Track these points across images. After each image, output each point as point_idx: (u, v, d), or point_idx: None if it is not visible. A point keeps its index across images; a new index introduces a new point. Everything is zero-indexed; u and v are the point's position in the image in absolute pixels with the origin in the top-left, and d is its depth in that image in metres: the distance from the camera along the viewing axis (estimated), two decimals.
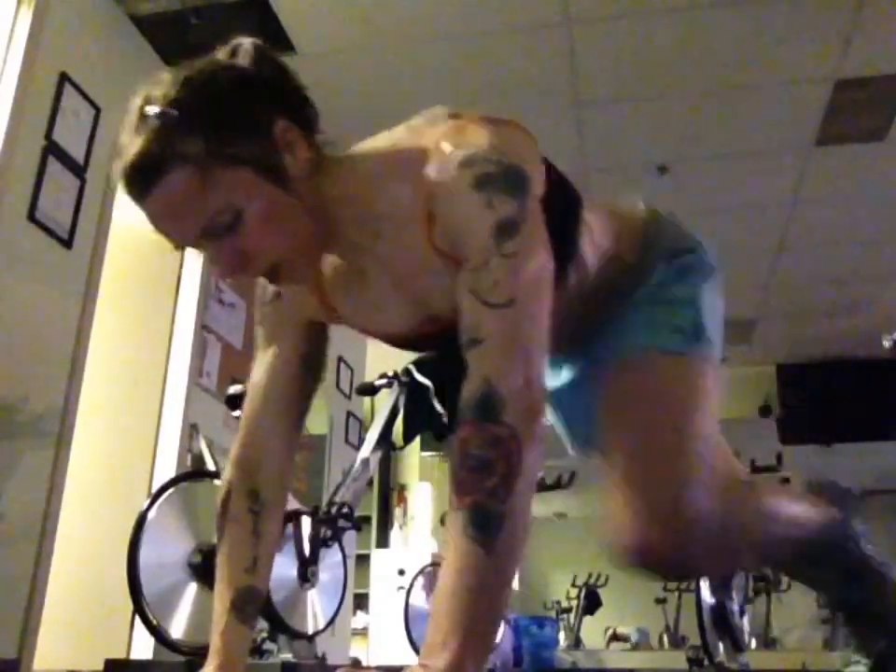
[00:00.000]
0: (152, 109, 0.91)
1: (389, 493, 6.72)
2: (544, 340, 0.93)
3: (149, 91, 0.94)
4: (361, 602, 5.85)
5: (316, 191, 1.01)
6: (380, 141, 1.07)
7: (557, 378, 1.38)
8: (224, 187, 0.92)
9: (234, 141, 0.93)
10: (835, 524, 1.41)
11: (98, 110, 2.90)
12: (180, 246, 0.99)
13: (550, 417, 1.44)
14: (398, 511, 6.64)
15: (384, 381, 2.97)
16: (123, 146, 0.93)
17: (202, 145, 0.91)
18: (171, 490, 2.42)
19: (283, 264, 1.00)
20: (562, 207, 1.09)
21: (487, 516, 0.83)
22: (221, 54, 1.01)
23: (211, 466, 3.20)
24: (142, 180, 0.92)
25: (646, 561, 1.11)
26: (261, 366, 1.19)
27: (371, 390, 3.06)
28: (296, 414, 1.19)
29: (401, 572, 5.54)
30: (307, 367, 1.19)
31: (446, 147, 0.97)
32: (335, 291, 1.14)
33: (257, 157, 0.94)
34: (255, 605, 1.11)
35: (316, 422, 4.60)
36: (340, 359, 4.87)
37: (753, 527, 1.28)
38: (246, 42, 1.01)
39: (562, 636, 5.92)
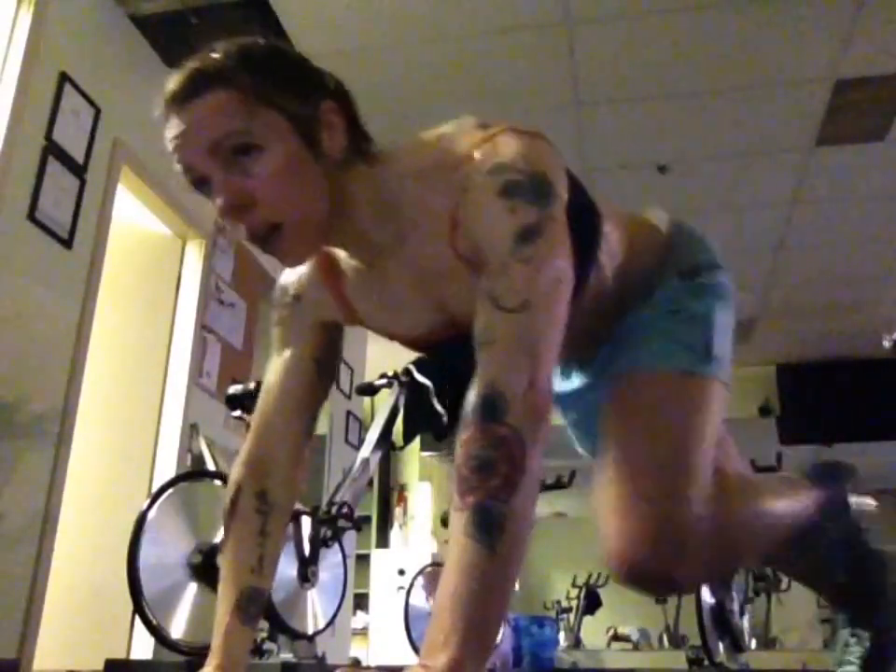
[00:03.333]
0: (213, 47, 0.97)
1: (389, 493, 6.72)
2: (555, 345, 0.93)
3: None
4: (361, 602, 5.85)
5: (342, 183, 1.02)
6: (411, 146, 1.08)
7: (568, 383, 1.38)
8: (258, 119, 0.96)
9: (283, 93, 0.97)
10: (827, 502, 1.42)
11: (98, 110, 2.90)
12: (191, 174, 0.98)
13: (560, 419, 1.44)
14: (398, 511, 6.64)
15: (384, 381, 2.97)
16: (178, 69, 0.97)
17: (252, 80, 0.95)
18: (171, 490, 2.42)
19: (284, 227, 0.99)
20: (582, 218, 1.10)
21: (490, 516, 0.83)
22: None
23: (211, 466, 3.20)
24: (188, 91, 0.95)
25: (635, 577, 1.10)
26: (276, 367, 1.19)
27: (370, 390, 3.06)
28: (307, 417, 1.20)
29: (401, 572, 5.54)
30: (321, 370, 1.19)
31: (477, 155, 0.98)
32: (356, 292, 1.14)
33: (298, 114, 0.98)
34: (258, 605, 1.11)
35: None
36: (340, 363, 4.87)
37: (748, 534, 1.28)
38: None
39: (562, 636, 5.92)
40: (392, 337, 1.20)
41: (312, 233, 1.03)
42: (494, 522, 0.83)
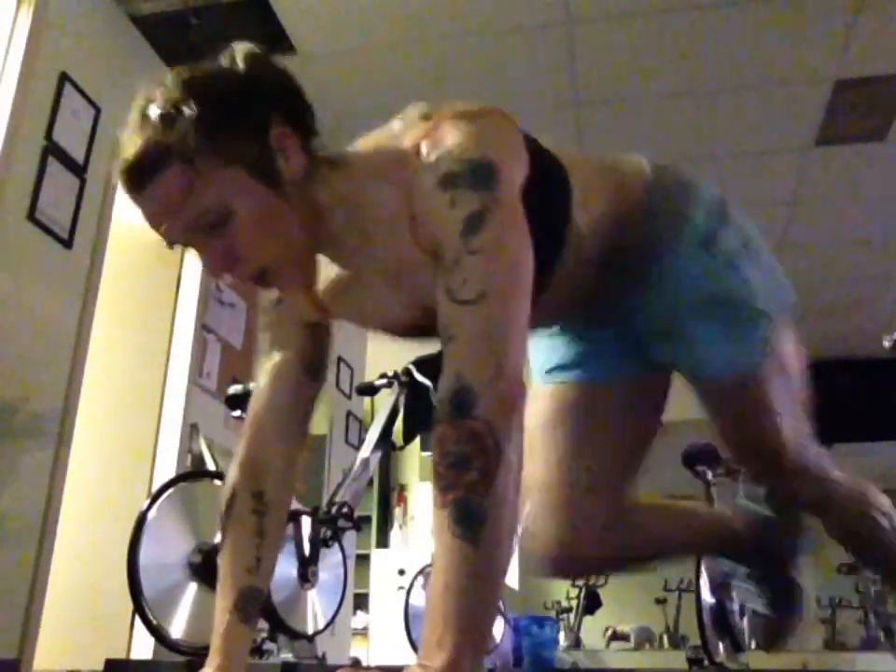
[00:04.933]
0: (152, 109, 0.95)
1: (389, 493, 6.72)
2: (520, 331, 0.93)
3: (150, 92, 0.97)
4: (361, 602, 5.84)
5: (309, 197, 1.03)
6: (365, 145, 1.08)
7: (572, 348, 1.39)
8: (217, 185, 0.95)
9: (230, 142, 0.96)
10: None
11: (98, 110, 2.90)
12: (173, 244, 1.01)
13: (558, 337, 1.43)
14: (398, 511, 6.64)
15: (384, 381, 2.97)
16: (123, 144, 0.97)
17: (197, 144, 0.94)
18: (171, 490, 2.42)
19: (271, 269, 1.02)
20: (552, 188, 1.10)
21: (471, 511, 0.83)
22: (222, 59, 1.02)
23: (211, 466, 3.20)
24: (138, 177, 0.96)
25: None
26: (265, 370, 1.20)
27: (370, 390, 3.06)
28: (300, 417, 1.20)
29: (401, 572, 5.54)
30: (309, 370, 1.20)
31: (422, 148, 0.99)
32: (331, 291, 1.15)
33: (251, 158, 0.97)
34: (256, 605, 1.11)
35: (316, 422, 4.57)
36: (340, 359, 4.87)
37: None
38: (246, 46, 1.02)
39: (562, 636, 5.91)
40: (371, 328, 1.21)
41: (300, 262, 1.07)
42: (475, 517, 0.83)
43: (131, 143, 0.96)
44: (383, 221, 1.03)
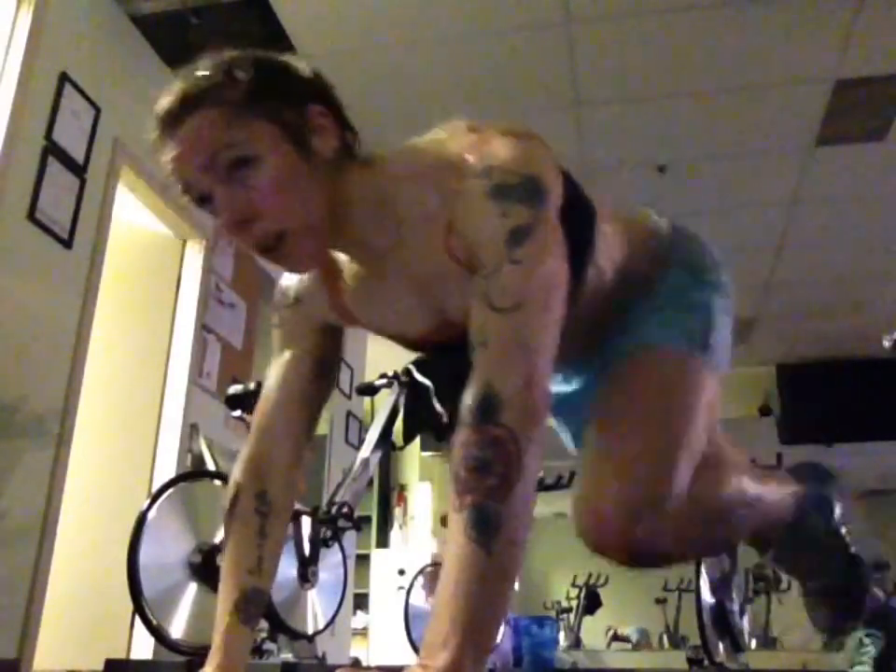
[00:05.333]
0: (198, 64, 0.99)
1: (389, 493, 6.72)
2: (550, 344, 0.94)
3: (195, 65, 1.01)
4: (361, 602, 5.85)
5: (337, 185, 1.03)
6: (405, 150, 1.08)
7: (567, 387, 1.39)
8: (250, 131, 0.97)
9: (270, 102, 0.99)
10: (805, 497, 1.43)
11: (98, 110, 2.90)
12: (191, 190, 1.00)
13: (552, 422, 1.45)
14: (398, 511, 6.64)
15: (384, 381, 2.97)
16: (164, 95, 0.98)
17: (239, 93, 0.97)
18: (171, 490, 2.42)
19: (287, 235, 1.00)
20: (578, 218, 1.10)
21: (487, 516, 0.83)
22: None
23: (211, 466, 3.20)
24: (177, 112, 0.97)
25: (606, 546, 1.11)
26: (276, 369, 1.20)
27: (370, 390, 3.06)
28: (307, 418, 1.20)
29: (401, 572, 5.54)
30: (321, 372, 1.20)
31: (469, 157, 0.99)
32: (355, 295, 1.15)
33: (288, 122, 0.99)
34: (258, 606, 1.11)
35: None
36: (340, 359, 4.87)
37: (728, 515, 1.29)
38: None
39: (562, 636, 5.92)
40: (391, 337, 1.20)
41: (315, 238, 1.04)
42: (491, 522, 0.83)
43: (174, 88, 0.98)
44: (415, 223, 1.03)
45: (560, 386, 1.40)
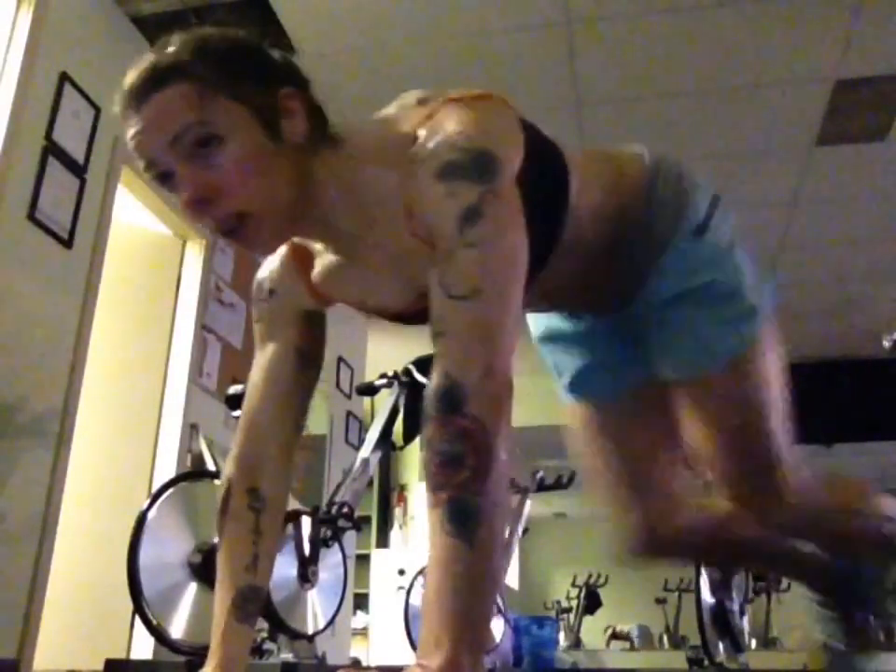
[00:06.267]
0: (170, 40, 1.00)
1: (389, 493, 6.72)
2: (512, 325, 0.92)
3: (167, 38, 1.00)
4: (361, 602, 5.85)
5: (307, 168, 1.01)
6: (365, 131, 1.07)
7: (572, 324, 1.39)
8: (217, 110, 0.95)
9: (239, 80, 0.97)
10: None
11: (98, 110, 2.90)
12: (153, 167, 0.98)
13: (543, 350, 1.46)
14: (398, 511, 6.64)
15: (384, 381, 2.97)
16: (131, 70, 0.98)
17: (209, 71, 0.96)
18: (171, 490, 2.42)
19: (250, 217, 0.98)
20: (548, 172, 1.09)
21: (464, 510, 0.82)
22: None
23: (211, 466, 3.20)
24: (146, 86, 0.96)
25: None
26: (259, 363, 1.19)
27: (370, 390, 3.06)
28: (295, 410, 1.19)
29: (401, 572, 5.54)
30: (304, 362, 1.18)
31: (419, 134, 0.98)
32: (329, 277, 1.14)
33: (256, 102, 0.98)
34: (255, 604, 1.10)
35: (316, 422, 4.60)
36: (340, 359, 4.87)
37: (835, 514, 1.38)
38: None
39: (562, 636, 5.92)
40: (369, 311, 1.19)
41: (279, 221, 1.02)
42: (469, 515, 0.82)
43: (143, 61, 0.97)
44: (379, 206, 1.02)
45: (561, 322, 1.40)
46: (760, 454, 1.24)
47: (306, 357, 1.18)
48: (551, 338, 1.43)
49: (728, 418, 1.25)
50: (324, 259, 1.14)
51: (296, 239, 1.16)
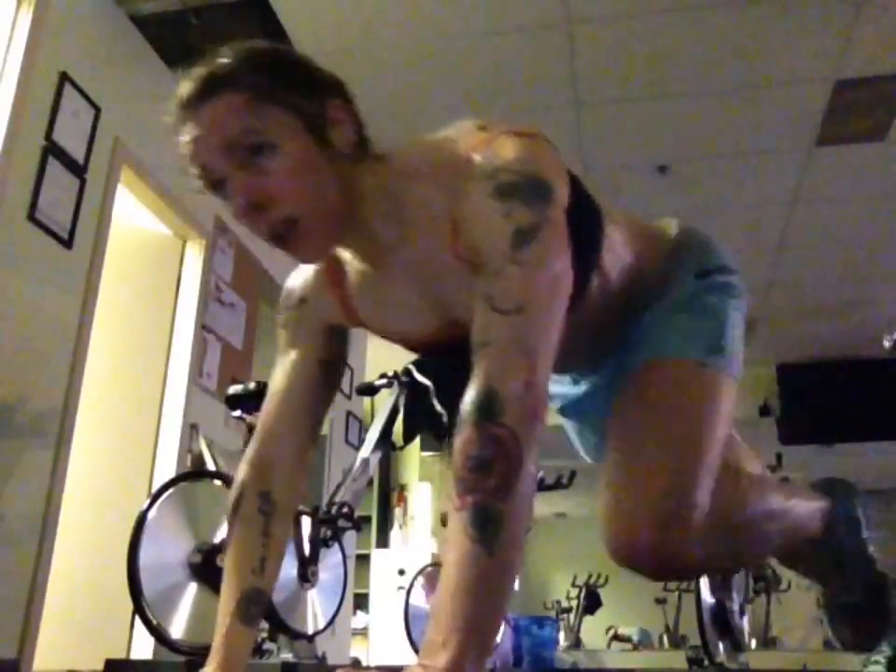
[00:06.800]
0: (222, 52, 1.01)
1: (389, 493, 6.73)
2: (551, 346, 0.94)
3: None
4: (361, 602, 5.85)
5: (351, 178, 1.03)
6: (414, 148, 1.09)
7: (576, 389, 1.39)
8: (269, 119, 0.98)
9: (291, 92, 1.00)
10: (834, 513, 1.44)
11: (98, 110, 2.90)
12: (206, 176, 1.00)
13: (565, 425, 1.46)
14: (398, 511, 6.65)
15: (384, 381, 2.97)
16: (193, 73, 0.99)
17: (261, 81, 0.99)
18: (171, 490, 2.42)
19: (301, 222, 1.00)
20: (584, 219, 1.10)
21: (488, 516, 0.83)
22: None
23: (211, 466, 3.20)
24: (200, 95, 0.98)
25: (637, 560, 1.10)
26: (281, 369, 1.20)
27: (370, 390, 3.06)
28: (311, 419, 1.20)
29: (401, 572, 5.54)
30: (325, 373, 1.20)
31: (475, 157, 0.99)
32: (359, 294, 1.15)
33: (307, 112, 1.00)
34: (259, 606, 1.11)
35: None
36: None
37: (756, 529, 1.28)
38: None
39: (562, 636, 5.92)
40: (394, 339, 1.20)
41: (328, 227, 1.04)
42: (491, 522, 0.83)
43: (197, 72, 0.99)
44: (423, 221, 1.03)
45: (569, 389, 1.40)
46: (683, 472, 1.11)
47: (327, 369, 1.20)
48: (566, 407, 1.44)
49: (675, 417, 1.15)
50: (356, 276, 1.15)
51: (331, 255, 1.16)
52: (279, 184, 0.98)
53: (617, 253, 1.19)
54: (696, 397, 1.18)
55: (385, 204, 1.05)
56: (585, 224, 1.10)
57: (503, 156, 0.98)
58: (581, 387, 1.39)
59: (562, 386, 1.42)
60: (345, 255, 1.15)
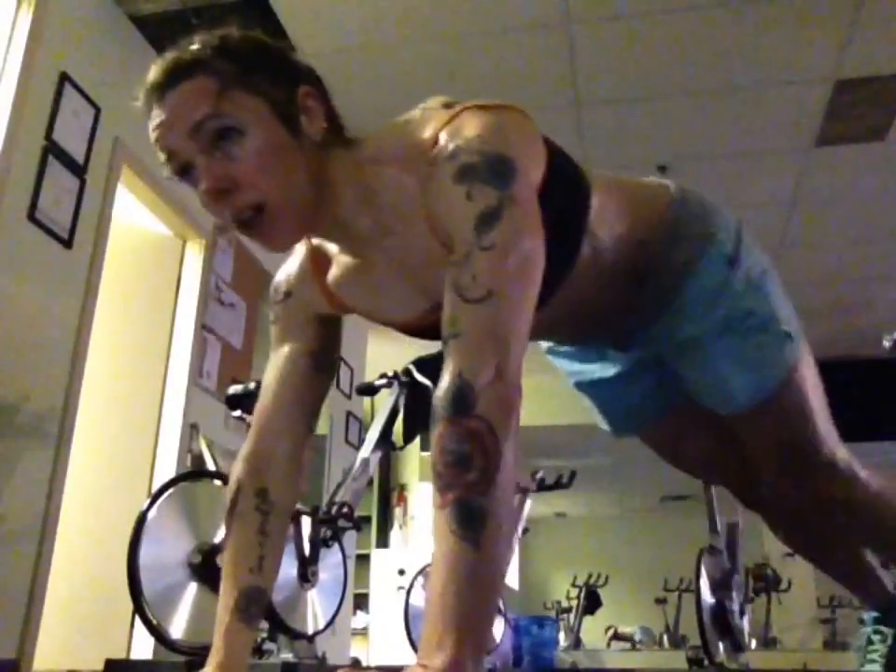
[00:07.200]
0: (192, 39, 1.01)
1: (389, 493, 6.73)
2: (524, 331, 0.92)
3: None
4: (361, 602, 5.85)
5: (322, 166, 1.03)
6: (384, 133, 1.08)
7: (602, 368, 1.40)
8: (237, 104, 0.98)
9: (260, 77, 1.00)
10: None
11: (98, 110, 2.90)
12: (173, 160, 0.99)
13: (586, 403, 1.50)
14: (398, 511, 6.65)
15: (384, 381, 2.97)
16: (162, 58, 0.99)
17: (230, 66, 0.99)
18: (171, 490, 2.42)
19: (267, 209, 0.99)
20: (566, 192, 1.09)
21: (471, 511, 0.82)
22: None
23: (211, 466, 3.20)
24: (168, 80, 0.97)
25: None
26: (273, 364, 1.19)
27: (370, 390, 3.06)
28: (307, 413, 1.19)
29: (401, 572, 5.55)
30: (318, 365, 1.19)
31: (441, 138, 0.98)
32: (344, 282, 1.15)
33: (276, 98, 1.00)
34: (258, 605, 1.10)
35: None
36: (340, 359, 4.87)
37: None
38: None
39: (562, 636, 5.92)
40: (380, 321, 1.20)
41: (296, 216, 1.03)
42: (475, 516, 0.82)
43: (166, 57, 0.99)
44: (399, 209, 1.02)
45: (590, 366, 1.42)
46: (808, 450, 1.31)
47: (319, 360, 1.19)
48: (583, 384, 1.47)
49: (775, 436, 1.33)
50: (339, 264, 1.14)
51: (314, 243, 1.16)
52: (245, 169, 0.97)
53: (609, 222, 1.17)
54: (795, 408, 1.32)
55: (356, 191, 1.04)
56: (566, 197, 1.08)
57: (464, 135, 0.97)
58: (610, 367, 1.40)
59: (580, 364, 1.42)
60: (329, 245, 1.14)
